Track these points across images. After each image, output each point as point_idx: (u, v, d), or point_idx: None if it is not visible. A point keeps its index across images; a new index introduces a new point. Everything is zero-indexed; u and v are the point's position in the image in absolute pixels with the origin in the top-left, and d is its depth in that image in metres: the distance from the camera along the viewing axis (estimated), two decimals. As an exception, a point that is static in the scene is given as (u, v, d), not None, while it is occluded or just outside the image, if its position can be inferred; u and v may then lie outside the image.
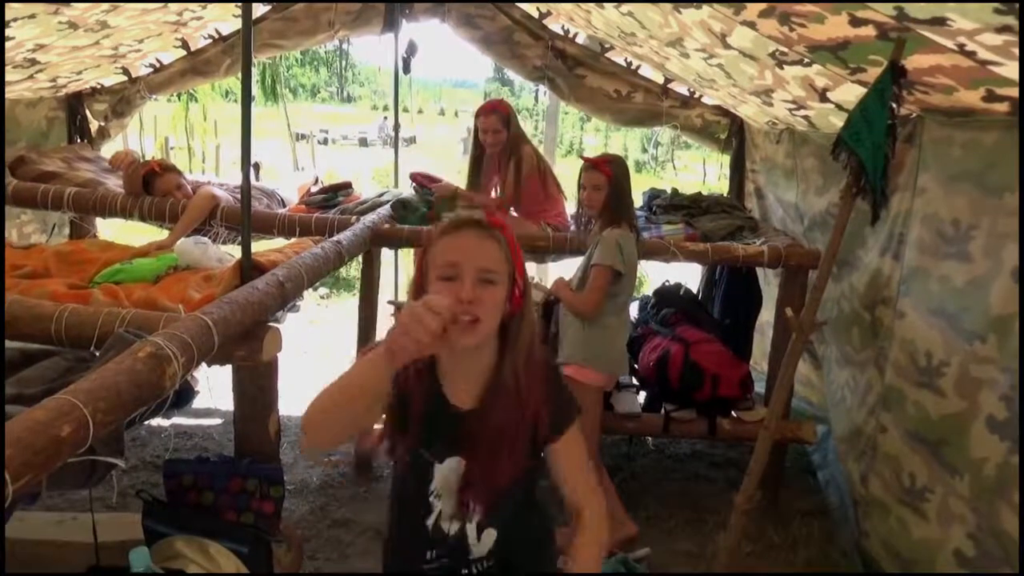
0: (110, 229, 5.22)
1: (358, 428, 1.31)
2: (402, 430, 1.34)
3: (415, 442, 1.34)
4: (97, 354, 1.67)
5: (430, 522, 1.38)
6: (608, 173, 2.71)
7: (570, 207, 3.68)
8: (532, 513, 1.48)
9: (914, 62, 1.94)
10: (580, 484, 1.42)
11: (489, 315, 1.27)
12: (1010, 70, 1.65)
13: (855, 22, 1.86)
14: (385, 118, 24.08)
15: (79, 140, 4.26)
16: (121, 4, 2.96)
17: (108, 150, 4.41)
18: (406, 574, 1.46)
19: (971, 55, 1.67)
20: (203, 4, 3.48)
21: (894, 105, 2.07)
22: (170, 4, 3.28)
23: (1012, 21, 1.39)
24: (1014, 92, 1.77)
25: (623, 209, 2.74)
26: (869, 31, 1.88)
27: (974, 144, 2.07)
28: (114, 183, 3.46)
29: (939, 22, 1.59)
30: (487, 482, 1.33)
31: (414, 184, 3.68)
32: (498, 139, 3.47)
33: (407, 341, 1.09)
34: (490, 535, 1.40)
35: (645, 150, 21.74)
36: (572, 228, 3.41)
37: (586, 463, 1.46)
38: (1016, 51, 1.53)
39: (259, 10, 4.00)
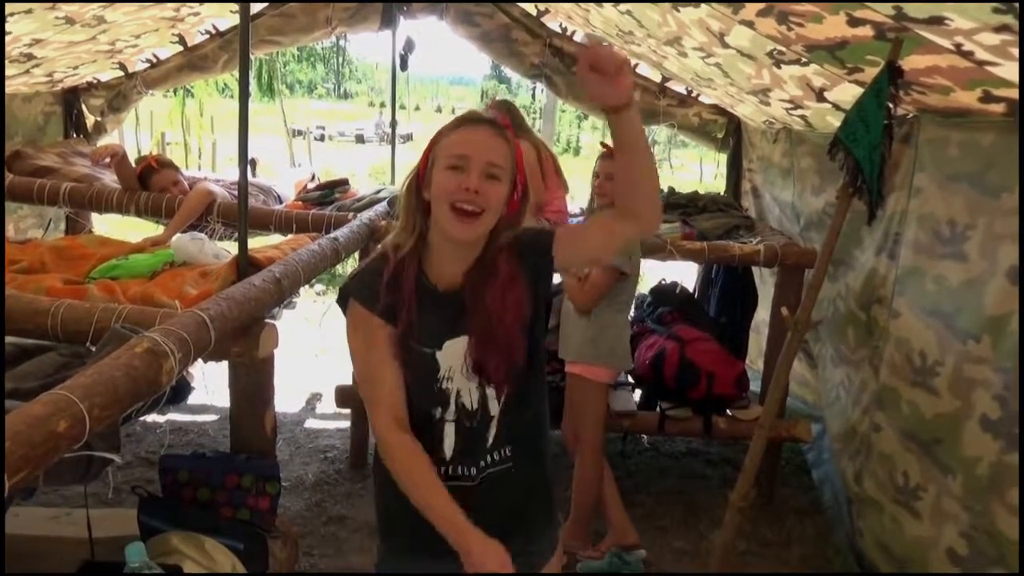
0: (106, 225, 5.21)
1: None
2: (393, 321, 1.35)
3: (406, 333, 1.34)
4: (93, 349, 1.66)
5: (451, 413, 1.38)
6: None
7: (569, 204, 3.68)
8: (540, 420, 1.49)
9: (911, 62, 1.95)
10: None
11: (491, 209, 1.31)
12: (1007, 71, 1.66)
13: (853, 22, 1.86)
14: (382, 115, 24.05)
15: (75, 135, 4.25)
16: (118, 1, 2.96)
17: (102, 145, 4.39)
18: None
19: (968, 55, 1.68)
20: (200, 0, 3.47)
21: (891, 105, 2.08)
22: (167, 1, 3.27)
23: (1010, 20, 1.40)
24: (1011, 93, 1.78)
25: None
26: (867, 31, 1.88)
27: (971, 145, 2.07)
28: (110, 178, 3.45)
29: (937, 21, 1.60)
30: (485, 348, 1.35)
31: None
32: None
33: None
34: (512, 399, 1.40)
35: (642, 148, 21.70)
36: (571, 222, 3.41)
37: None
38: (1014, 51, 1.54)
39: (257, 6, 3.99)
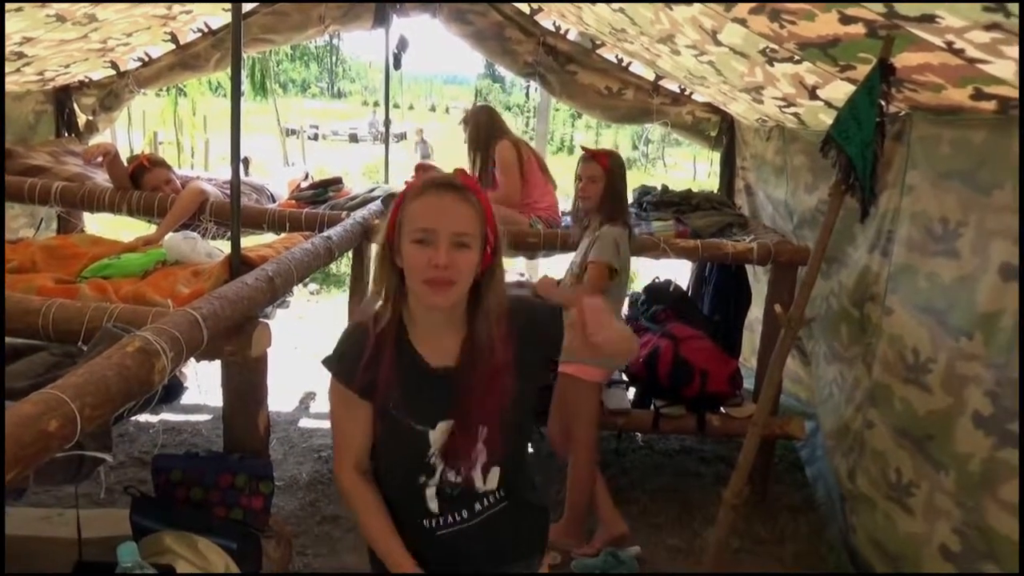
0: (98, 224, 5.19)
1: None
2: (369, 395, 1.36)
3: (398, 408, 1.35)
4: (85, 349, 1.66)
5: (435, 480, 1.38)
6: (605, 165, 2.72)
7: (561, 201, 3.68)
8: (528, 452, 1.51)
9: (903, 60, 1.95)
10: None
11: (463, 277, 1.29)
12: (998, 68, 1.66)
13: (845, 20, 1.87)
14: (375, 114, 24.01)
15: (67, 134, 4.23)
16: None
17: (94, 144, 4.37)
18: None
19: (959, 53, 1.68)
20: (193, -2, 3.46)
21: (883, 103, 2.09)
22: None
23: (1000, 19, 1.40)
24: (1002, 90, 1.78)
25: (619, 205, 2.75)
26: (859, 29, 1.89)
27: (963, 142, 2.08)
28: (102, 178, 3.44)
29: (928, 19, 1.60)
30: (485, 437, 1.35)
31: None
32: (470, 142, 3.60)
33: None
34: (495, 473, 1.40)
35: (636, 147, 21.78)
36: (564, 224, 3.42)
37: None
38: (1004, 49, 1.54)
39: (249, 4, 3.98)
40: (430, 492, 1.39)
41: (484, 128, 3.53)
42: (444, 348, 1.37)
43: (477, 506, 1.41)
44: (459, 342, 1.37)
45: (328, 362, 1.41)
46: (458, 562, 1.42)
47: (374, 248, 1.43)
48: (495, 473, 1.40)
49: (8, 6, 2.59)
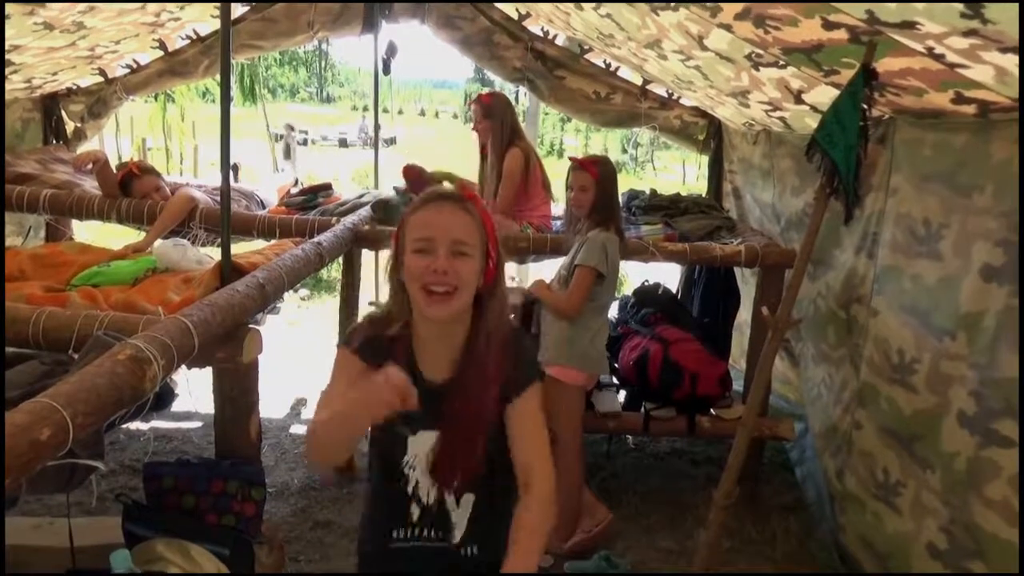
0: (87, 232, 5.17)
1: (349, 450, 1.37)
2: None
3: (390, 416, 1.35)
4: (76, 357, 1.66)
5: (408, 490, 1.40)
6: (595, 174, 2.72)
7: (555, 208, 3.70)
8: (507, 478, 1.46)
9: (885, 65, 1.98)
10: (533, 450, 1.39)
11: (464, 286, 1.30)
12: (977, 72, 1.69)
13: (828, 25, 1.89)
14: (365, 119, 23.99)
15: (55, 141, 4.22)
16: (99, 4, 2.94)
17: (84, 151, 4.36)
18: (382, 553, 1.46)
19: (940, 58, 1.71)
20: (181, 5, 3.45)
21: (866, 107, 2.11)
22: (148, 5, 3.26)
23: (977, 25, 1.43)
24: (981, 94, 1.81)
25: (610, 211, 2.76)
26: (841, 34, 1.91)
27: (944, 145, 2.11)
28: (91, 185, 3.43)
29: (908, 25, 1.63)
30: (463, 453, 1.35)
31: (396, 187, 3.66)
32: (481, 129, 3.53)
33: (363, 414, 1.18)
34: (468, 500, 1.41)
35: (625, 151, 21.83)
36: (555, 229, 3.43)
37: (544, 430, 1.42)
38: (982, 54, 1.57)
39: (238, 11, 3.98)
40: (407, 503, 1.40)
41: (508, 129, 3.48)
42: (441, 363, 1.38)
43: (451, 547, 1.41)
44: (455, 358, 1.38)
45: (347, 342, 1.42)
46: None
47: (366, 254, 1.46)
48: (468, 501, 1.40)
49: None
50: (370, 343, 1.39)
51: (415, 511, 1.40)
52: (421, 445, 1.38)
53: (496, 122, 3.46)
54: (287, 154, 12.69)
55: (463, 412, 1.34)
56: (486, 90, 3.69)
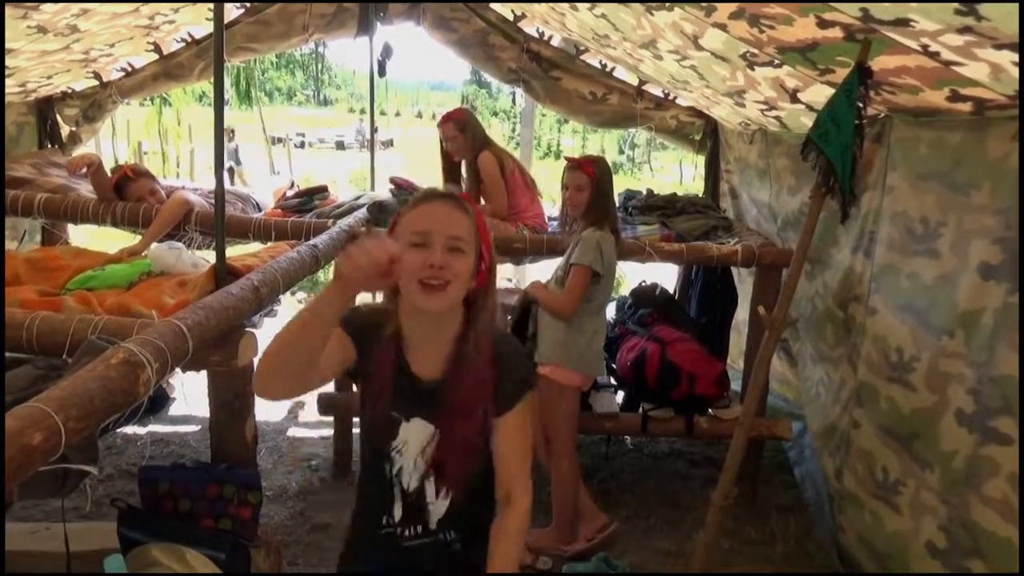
0: (83, 235, 5.15)
1: (310, 366, 1.25)
2: (370, 398, 1.40)
3: (383, 406, 1.38)
4: (70, 362, 1.65)
5: (392, 473, 1.42)
6: (591, 173, 2.72)
7: (548, 208, 3.69)
8: (489, 482, 1.47)
9: (880, 63, 1.98)
10: (516, 464, 1.42)
11: (457, 281, 1.31)
12: (972, 70, 1.69)
13: (822, 24, 1.89)
14: (362, 121, 24.00)
15: (50, 145, 4.20)
16: (93, 7, 2.93)
17: (79, 155, 4.35)
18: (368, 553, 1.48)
19: (935, 56, 1.71)
20: (175, 7, 3.45)
21: (861, 105, 2.11)
22: (142, 7, 3.25)
23: (972, 22, 1.43)
24: (977, 92, 1.81)
25: (606, 210, 2.76)
26: (836, 33, 1.91)
27: (940, 143, 2.11)
28: (86, 189, 3.42)
29: (903, 23, 1.63)
30: (449, 448, 1.38)
31: (392, 188, 3.68)
32: (457, 146, 3.52)
33: (352, 267, 1.12)
34: (446, 495, 1.43)
35: (622, 151, 21.86)
36: (551, 229, 3.43)
37: (528, 444, 1.45)
38: (977, 52, 1.57)
39: (232, 13, 3.97)
40: (389, 487, 1.42)
41: (480, 137, 3.51)
42: (431, 361, 1.40)
43: (430, 537, 1.43)
44: (445, 358, 1.39)
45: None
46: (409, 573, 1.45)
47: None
48: (446, 497, 1.42)
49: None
50: (359, 320, 1.40)
51: (396, 495, 1.42)
52: (413, 433, 1.40)
53: (469, 135, 3.47)
54: (235, 159, 12.51)
55: (450, 404, 1.37)
56: (451, 107, 3.69)
